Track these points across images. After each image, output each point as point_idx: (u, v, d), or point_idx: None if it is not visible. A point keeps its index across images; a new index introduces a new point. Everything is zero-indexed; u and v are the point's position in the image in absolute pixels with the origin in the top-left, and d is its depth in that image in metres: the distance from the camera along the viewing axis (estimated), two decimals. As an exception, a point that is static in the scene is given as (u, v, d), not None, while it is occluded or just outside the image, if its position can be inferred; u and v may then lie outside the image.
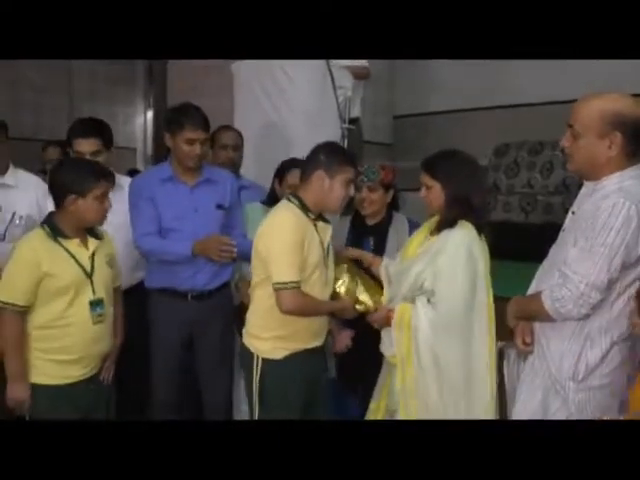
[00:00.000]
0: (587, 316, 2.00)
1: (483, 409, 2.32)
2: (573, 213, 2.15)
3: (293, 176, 3.13)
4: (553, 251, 2.21)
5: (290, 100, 3.81)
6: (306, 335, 2.48)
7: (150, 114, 7.76)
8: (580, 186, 2.18)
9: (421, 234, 2.51)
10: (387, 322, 2.40)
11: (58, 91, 6.11)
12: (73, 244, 2.37)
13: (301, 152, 3.34)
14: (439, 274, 2.30)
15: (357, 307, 2.54)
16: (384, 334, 2.45)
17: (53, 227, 2.36)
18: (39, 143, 4.48)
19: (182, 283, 2.88)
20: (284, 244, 2.33)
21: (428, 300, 2.32)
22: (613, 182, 2.00)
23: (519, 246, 3.54)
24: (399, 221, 2.95)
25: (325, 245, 2.49)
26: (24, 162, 3.36)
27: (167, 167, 2.93)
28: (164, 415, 2.88)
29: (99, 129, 3.00)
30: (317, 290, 2.44)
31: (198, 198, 2.90)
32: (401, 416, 2.36)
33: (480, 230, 2.35)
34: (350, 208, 2.92)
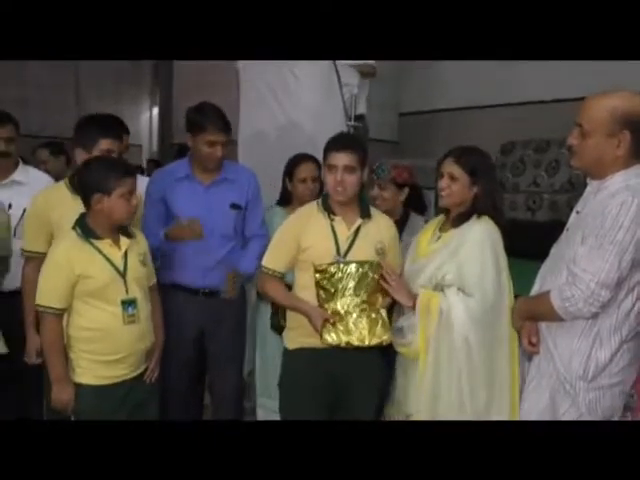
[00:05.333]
0: (596, 315, 1.99)
1: (504, 403, 2.28)
2: (578, 212, 2.14)
3: (303, 169, 3.14)
4: (556, 250, 2.20)
5: (296, 97, 3.80)
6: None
7: (156, 111, 7.78)
8: (586, 185, 2.18)
9: (428, 232, 2.49)
10: (405, 298, 2.34)
11: (65, 89, 6.12)
12: (105, 244, 2.38)
13: (307, 149, 3.35)
14: (466, 266, 2.27)
15: (326, 336, 2.34)
16: (401, 321, 2.41)
17: (84, 228, 2.37)
18: (46, 140, 4.49)
19: (194, 280, 2.88)
20: (274, 237, 2.56)
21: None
22: (619, 180, 2.00)
23: (525, 244, 3.53)
24: (415, 222, 2.94)
25: (347, 241, 2.43)
26: (30, 159, 3.37)
27: (185, 165, 2.92)
28: (173, 410, 2.87)
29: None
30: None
31: (212, 197, 2.89)
32: (419, 406, 2.32)
33: (501, 229, 2.35)
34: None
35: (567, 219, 2.21)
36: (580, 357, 2.03)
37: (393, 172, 2.84)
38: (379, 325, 2.38)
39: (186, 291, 2.88)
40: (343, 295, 2.37)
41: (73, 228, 2.38)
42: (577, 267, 1.97)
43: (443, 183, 2.36)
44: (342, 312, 2.36)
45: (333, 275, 2.35)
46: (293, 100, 3.80)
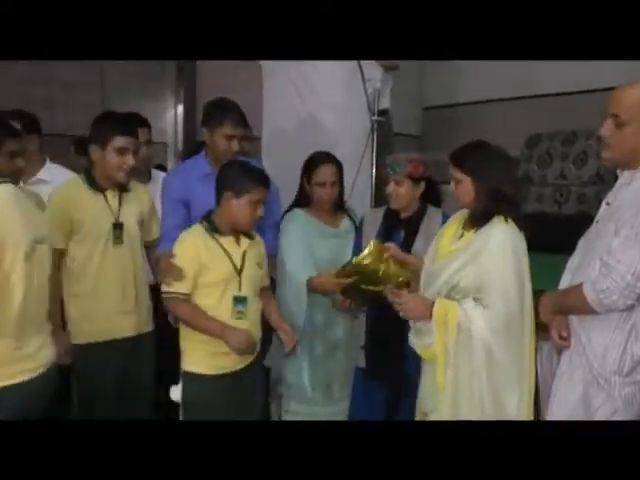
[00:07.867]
0: (631, 307, 1.96)
1: (524, 407, 2.25)
2: (608, 204, 2.11)
3: (321, 173, 2.95)
4: (585, 243, 2.16)
5: (319, 93, 3.80)
6: None
7: (180, 109, 7.82)
8: (615, 177, 2.14)
9: (450, 228, 2.43)
10: (421, 313, 2.29)
11: (90, 88, 6.18)
12: (227, 241, 2.50)
13: (331, 145, 3.34)
14: (486, 276, 2.21)
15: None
16: (419, 323, 2.35)
17: (211, 223, 2.50)
18: (71, 139, 4.55)
19: None
20: None
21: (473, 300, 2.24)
22: None
23: (552, 238, 3.48)
24: (433, 215, 2.82)
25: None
26: (57, 158, 3.42)
27: (203, 163, 2.88)
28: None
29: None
30: None
31: None
32: (439, 413, 2.29)
33: (519, 225, 2.27)
34: (384, 200, 2.88)
35: (595, 211, 2.18)
36: (615, 351, 2.00)
37: (410, 167, 2.73)
38: None
39: None
40: None
41: (200, 222, 2.51)
42: (611, 258, 1.93)
43: (452, 186, 2.36)
44: None
45: None
46: (317, 96, 3.80)
